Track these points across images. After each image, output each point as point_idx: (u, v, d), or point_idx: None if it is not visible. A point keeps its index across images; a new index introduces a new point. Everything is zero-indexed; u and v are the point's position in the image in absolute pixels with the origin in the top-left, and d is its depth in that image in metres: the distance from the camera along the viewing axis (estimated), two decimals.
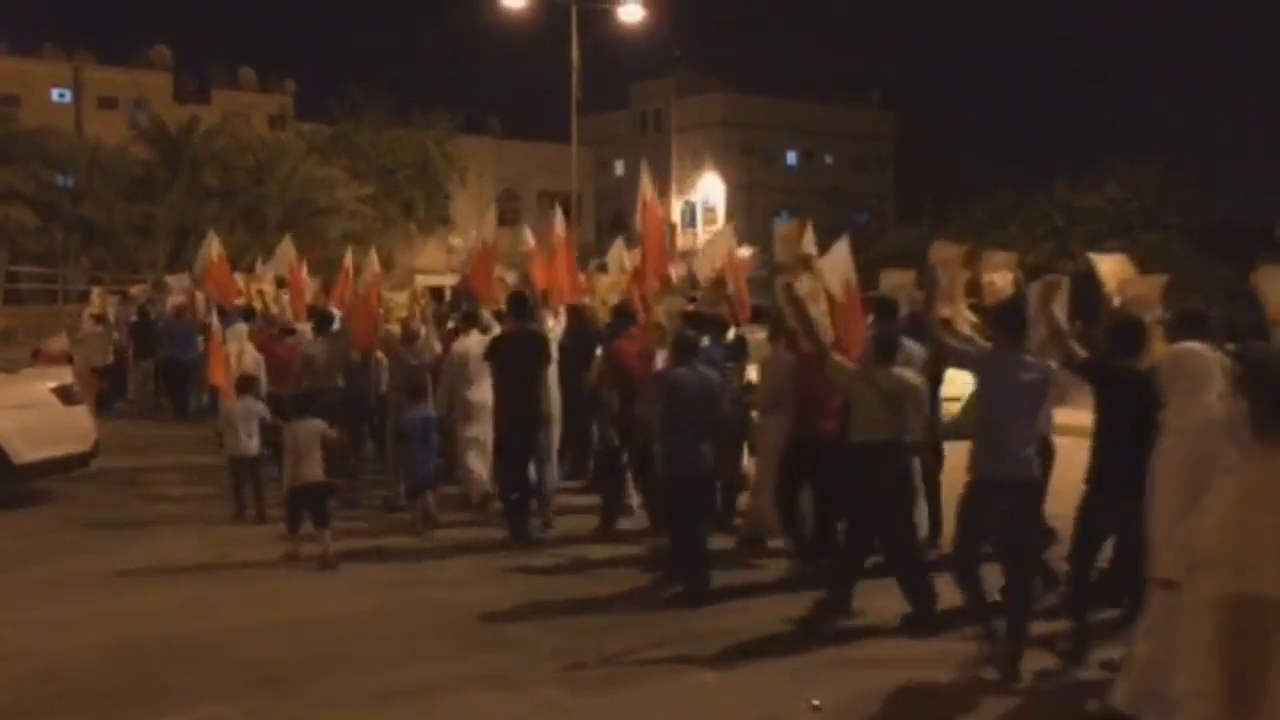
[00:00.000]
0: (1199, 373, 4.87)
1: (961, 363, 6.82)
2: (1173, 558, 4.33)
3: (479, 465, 10.09)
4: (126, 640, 6.65)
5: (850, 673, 6.07)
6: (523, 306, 9.54)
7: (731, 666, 6.18)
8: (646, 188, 10.24)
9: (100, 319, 18.84)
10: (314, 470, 8.59)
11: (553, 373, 9.55)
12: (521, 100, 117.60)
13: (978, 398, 6.48)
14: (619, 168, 58.99)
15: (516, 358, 9.03)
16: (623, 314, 9.61)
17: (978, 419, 6.15)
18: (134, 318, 18.55)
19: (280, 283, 16.10)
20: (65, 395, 10.77)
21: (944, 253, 8.71)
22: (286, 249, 15.53)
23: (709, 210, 52.82)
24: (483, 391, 9.86)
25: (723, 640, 6.54)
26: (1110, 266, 8.50)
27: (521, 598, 7.52)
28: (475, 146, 48.45)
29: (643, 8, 32.94)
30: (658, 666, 6.21)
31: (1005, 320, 6.32)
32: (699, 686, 5.93)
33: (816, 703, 5.48)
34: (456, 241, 12.30)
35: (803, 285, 7.81)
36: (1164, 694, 4.53)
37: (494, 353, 9.22)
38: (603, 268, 10.33)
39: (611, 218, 54.18)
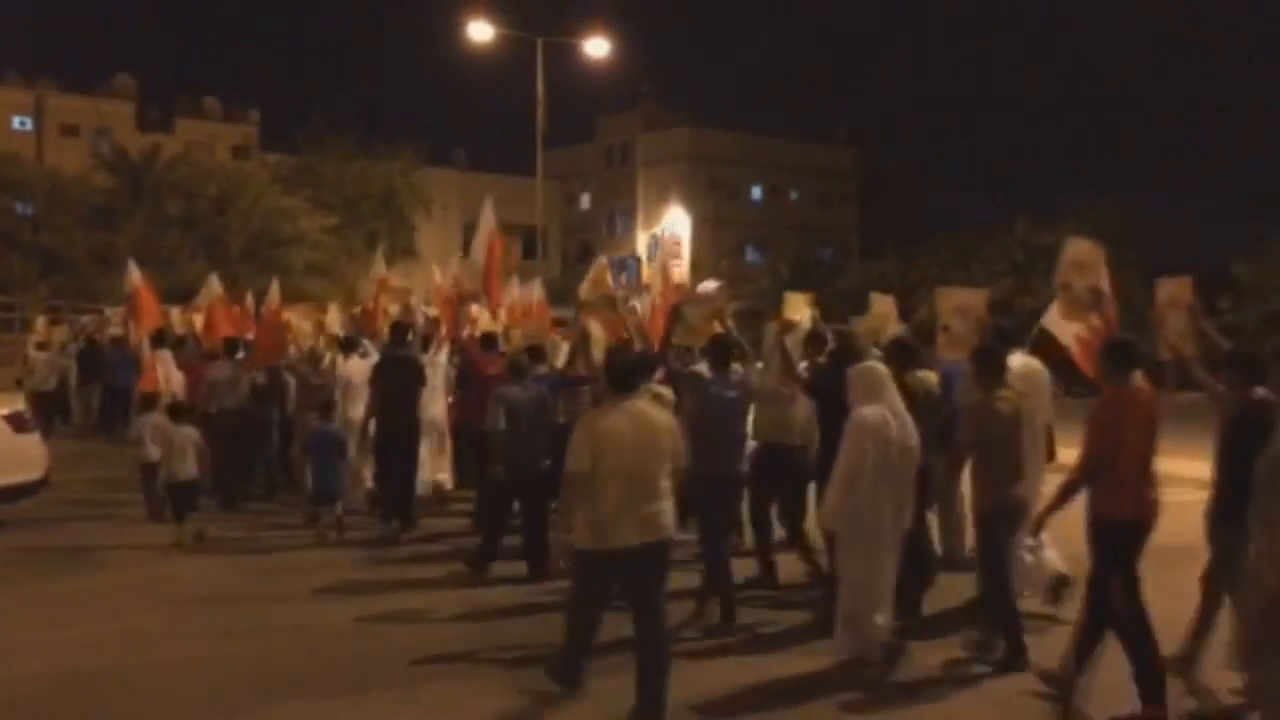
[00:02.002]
0: (873, 385, 6.49)
1: (680, 381, 8.17)
2: (830, 517, 6.50)
3: (359, 474, 11.14)
4: (70, 668, 6.50)
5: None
6: (402, 336, 10.82)
7: None
8: (489, 223, 11.41)
9: (43, 346, 18.98)
10: (187, 469, 9.86)
11: (427, 392, 10.91)
12: (487, 133, 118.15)
13: (695, 410, 7.64)
14: (585, 201, 59.22)
15: (393, 381, 10.19)
16: (488, 341, 11.01)
17: (691, 427, 7.02)
18: (81, 345, 18.71)
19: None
20: (17, 423, 10.54)
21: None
22: (212, 286, 16.16)
23: (674, 243, 52.91)
24: (359, 409, 10.80)
25: None
26: (881, 305, 10.35)
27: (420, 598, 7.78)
28: (440, 178, 48.48)
29: (608, 42, 33.21)
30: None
31: (713, 350, 7.82)
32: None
33: None
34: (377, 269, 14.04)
35: (595, 330, 9.88)
36: (859, 620, 6.37)
37: (374, 376, 10.35)
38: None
39: (578, 250, 54.33)
